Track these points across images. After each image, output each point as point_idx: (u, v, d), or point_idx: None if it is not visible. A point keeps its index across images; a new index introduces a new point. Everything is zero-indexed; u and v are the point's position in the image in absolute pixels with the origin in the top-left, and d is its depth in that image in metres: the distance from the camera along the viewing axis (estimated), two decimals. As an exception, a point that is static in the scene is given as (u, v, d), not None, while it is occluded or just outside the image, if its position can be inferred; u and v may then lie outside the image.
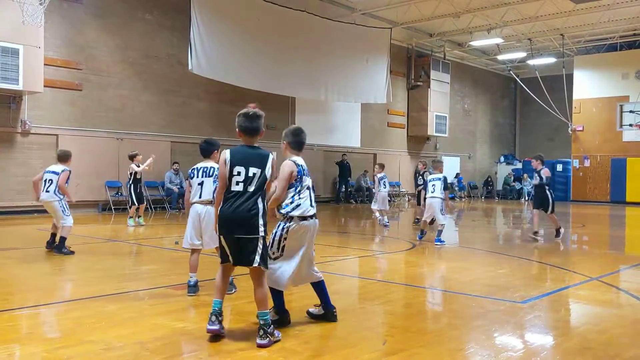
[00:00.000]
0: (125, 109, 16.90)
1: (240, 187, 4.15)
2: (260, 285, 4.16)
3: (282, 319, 4.49)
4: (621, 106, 25.55)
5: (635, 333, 4.56)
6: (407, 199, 25.89)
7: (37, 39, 13.88)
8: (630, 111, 24.95)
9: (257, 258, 4.11)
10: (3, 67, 13.33)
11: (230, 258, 4.20)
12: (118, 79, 16.75)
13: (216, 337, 4.10)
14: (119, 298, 5.48)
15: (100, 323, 4.54)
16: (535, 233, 10.84)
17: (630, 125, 24.89)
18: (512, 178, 30.02)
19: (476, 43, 26.09)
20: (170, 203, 17.56)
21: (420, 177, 14.07)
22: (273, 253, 4.43)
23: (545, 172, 11.02)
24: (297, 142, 4.63)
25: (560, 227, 10.99)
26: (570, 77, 26.71)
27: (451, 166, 29.36)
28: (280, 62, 19.32)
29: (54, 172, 8.36)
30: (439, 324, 4.88)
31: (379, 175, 13.55)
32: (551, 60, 27.39)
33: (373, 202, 13.85)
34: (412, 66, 26.61)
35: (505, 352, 4.04)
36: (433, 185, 10.15)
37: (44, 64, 14.29)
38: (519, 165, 30.82)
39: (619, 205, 23.95)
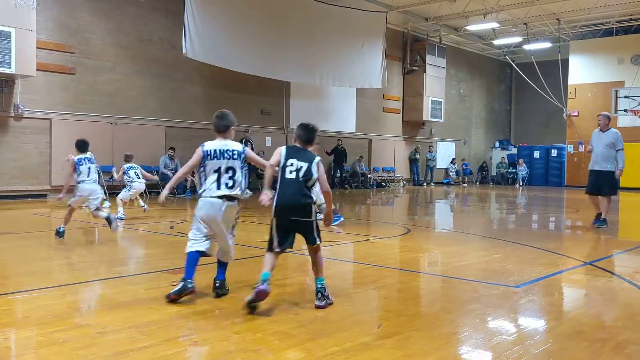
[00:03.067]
0: (119, 93, 16.80)
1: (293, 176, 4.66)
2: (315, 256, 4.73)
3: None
4: (616, 91, 25.53)
5: (627, 317, 4.60)
6: (402, 185, 25.94)
7: (29, 21, 13.73)
8: (625, 96, 24.94)
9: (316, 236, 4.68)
10: (-5, 50, 13.21)
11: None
12: (111, 63, 16.62)
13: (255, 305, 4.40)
14: (115, 282, 5.49)
15: (96, 307, 4.55)
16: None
17: (625, 110, 24.89)
18: (507, 163, 30.13)
19: (472, 27, 25.99)
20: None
21: None
22: None
23: None
24: (215, 124, 4.99)
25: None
26: (565, 62, 26.67)
27: (446, 151, 29.44)
28: (275, 46, 19.20)
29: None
30: (433, 308, 4.91)
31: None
32: (547, 45, 27.33)
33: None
34: (408, 51, 26.50)
35: (499, 335, 4.07)
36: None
37: (37, 47, 14.14)
38: (514, 151, 30.90)
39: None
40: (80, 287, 5.43)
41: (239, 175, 4.86)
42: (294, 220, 4.58)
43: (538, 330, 4.29)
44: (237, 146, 4.93)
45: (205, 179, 4.83)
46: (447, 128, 29.29)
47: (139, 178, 11.52)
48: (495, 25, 25.24)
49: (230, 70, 18.06)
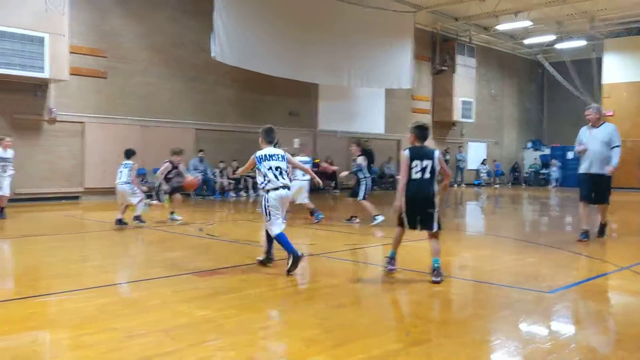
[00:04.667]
0: (150, 97, 16.98)
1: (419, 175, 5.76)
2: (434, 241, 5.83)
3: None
4: (652, 90, 24.85)
5: (668, 325, 4.42)
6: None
7: (61, 26, 13.95)
8: (662, 96, 24.27)
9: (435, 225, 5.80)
10: (29, 55, 13.39)
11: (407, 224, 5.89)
12: (143, 66, 16.82)
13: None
14: (143, 285, 5.51)
15: (124, 310, 4.56)
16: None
17: (662, 110, 24.21)
18: (540, 164, 29.60)
19: (502, 27, 25.54)
20: (194, 190, 17.63)
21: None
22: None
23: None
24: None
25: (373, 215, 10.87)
26: (599, 61, 26.04)
27: (477, 152, 29.05)
28: (303, 48, 19.19)
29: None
30: (464, 314, 4.80)
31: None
32: (581, 43, 26.73)
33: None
34: (437, 51, 26.22)
35: (532, 343, 3.94)
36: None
37: (70, 52, 14.37)
38: (547, 151, 30.33)
39: (649, 192, 23.38)
40: (109, 289, 5.46)
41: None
42: (419, 210, 5.70)
43: (573, 338, 4.14)
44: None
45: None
46: (478, 128, 28.89)
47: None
48: (527, 24, 24.75)
49: (261, 73, 18.09)
